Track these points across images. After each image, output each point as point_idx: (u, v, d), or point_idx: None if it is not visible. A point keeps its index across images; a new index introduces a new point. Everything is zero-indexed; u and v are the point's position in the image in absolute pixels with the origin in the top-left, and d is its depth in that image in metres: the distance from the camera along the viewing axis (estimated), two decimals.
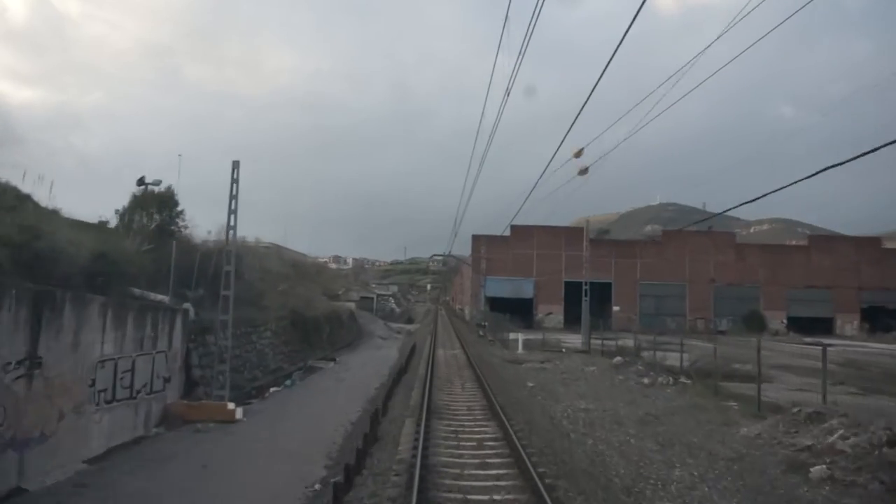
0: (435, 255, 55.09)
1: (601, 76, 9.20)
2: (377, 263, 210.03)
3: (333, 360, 26.08)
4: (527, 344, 30.40)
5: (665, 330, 60.92)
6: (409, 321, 77.30)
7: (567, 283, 62.28)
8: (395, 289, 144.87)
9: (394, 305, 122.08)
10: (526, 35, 9.33)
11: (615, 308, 62.07)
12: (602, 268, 63.73)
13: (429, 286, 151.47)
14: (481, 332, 41.08)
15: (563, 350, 30.13)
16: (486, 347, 31.35)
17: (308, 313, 27.25)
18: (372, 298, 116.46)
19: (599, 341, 31.73)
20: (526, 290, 61.77)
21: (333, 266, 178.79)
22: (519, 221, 47.30)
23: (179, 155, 62.01)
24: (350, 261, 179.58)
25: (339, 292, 55.65)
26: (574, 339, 39.52)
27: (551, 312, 61.60)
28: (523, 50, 9.87)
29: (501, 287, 61.22)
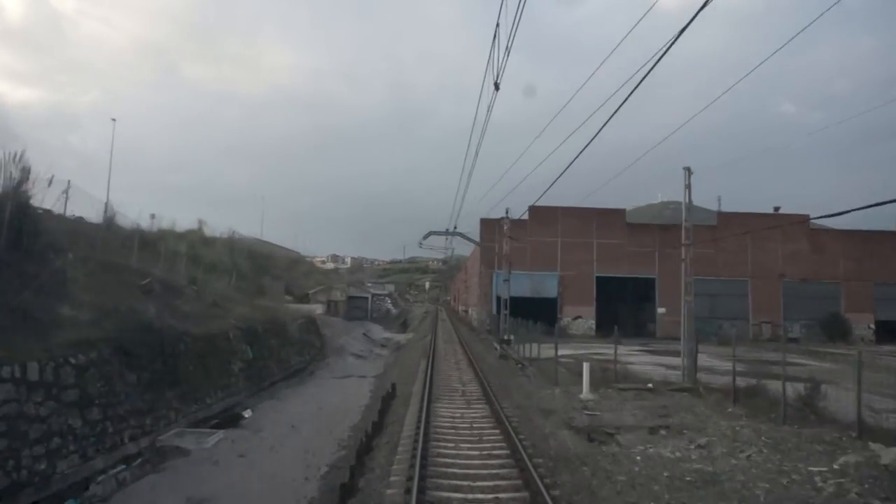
0: (432, 231, 41.07)
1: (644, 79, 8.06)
2: (376, 262, 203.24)
3: (238, 420, 13.52)
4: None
5: (726, 337, 48.59)
6: (404, 326, 64.65)
7: (600, 280, 49.90)
8: (391, 288, 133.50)
9: (390, 306, 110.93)
10: (513, 25, 8.66)
11: (660, 310, 49.55)
12: (643, 260, 51.45)
13: (427, 284, 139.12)
14: (499, 348, 28.49)
15: (650, 386, 17.63)
16: (520, 382, 18.78)
17: (197, 329, 14.67)
18: (366, 298, 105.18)
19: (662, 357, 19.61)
20: (548, 287, 49.23)
21: (331, 265, 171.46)
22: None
23: (113, 119, 50.08)
24: (349, 260, 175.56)
25: (310, 291, 43.08)
26: (634, 358, 27.11)
27: (580, 316, 49.11)
28: (510, 41, 9.66)
29: (518, 284, 48.62)
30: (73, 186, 15.73)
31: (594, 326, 48.91)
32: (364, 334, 32.30)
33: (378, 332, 41.41)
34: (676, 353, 30.23)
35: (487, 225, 49.49)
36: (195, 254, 32.08)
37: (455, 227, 26.46)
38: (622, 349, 36.50)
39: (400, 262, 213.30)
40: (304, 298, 40.52)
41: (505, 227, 27.83)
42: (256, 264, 42.30)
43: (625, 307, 55.89)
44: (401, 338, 37.12)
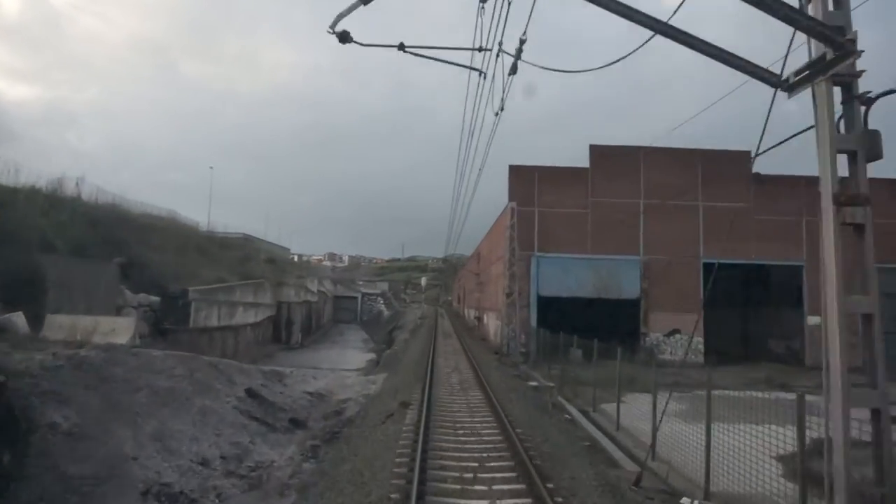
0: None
1: None
2: (374, 261, 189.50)
3: None
4: None
5: None
6: (388, 341, 44.77)
7: (709, 267, 30.26)
8: (384, 287, 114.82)
9: (382, 307, 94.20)
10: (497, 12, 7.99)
11: (811, 320, 29.69)
12: (779, 234, 31.65)
13: (423, 281, 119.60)
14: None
15: None
16: None
17: None
18: (355, 298, 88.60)
19: None
20: (624, 281, 29.38)
21: (328, 263, 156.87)
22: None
23: None
24: (346, 258, 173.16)
25: (200, 287, 23.62)
26: None
27: (677, 330, 29.22)
28: (497, 27, 8.34)
29: (570, 274, 28.98)
30: None
31: (702, 347, 29.09)
32: (248, 396, 12.46)
33: (334, 353, 22.21)
34: None
35: (520, 177, 29.68)
36: None
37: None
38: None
39: (399, 260, 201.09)
40: (170, 301, 20.67)
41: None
42: (98, 237, 22.78)
43: (736, 313, 36.03)
44: (353, 390, 16.60)
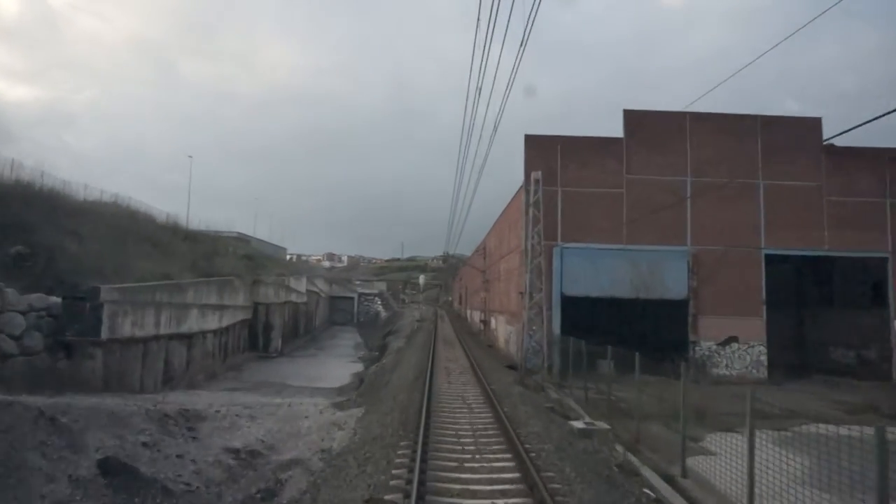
0: None
1: None
2: (373, 261, 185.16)
3: None
4: None
5: None
6: (381, 347, 39.27)
7: (771, 259, 24.68)
8: (382, 287, 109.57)
9: (380, 308, 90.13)
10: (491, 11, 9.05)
11: None
12: (858, 219, 26.02)
13: (421, 279, 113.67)
14: None
15: None
16: None
17: None
18: (352, 299, 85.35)
19: None
20: (668, 277, 23.73)
21: (326, 263, 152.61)
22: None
23: None
24: (345, 258, 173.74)
25: (105, 287, 17.66)
26: None
27: (734, 338, 23.49)
28: (491, 25, 9.38)
29: (598, 270, 23.34)
30: None
31: (765, 359, 23.44)
32: (102, 473, 7.18)
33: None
34: None
35: (539, 149, 24.06)
36: None
37: None
38: None
39: (398, 260, 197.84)
40: (74, 304, 15.18)
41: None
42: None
43: (788, 314, 30.33)
44: (307, 441, 10.91)
